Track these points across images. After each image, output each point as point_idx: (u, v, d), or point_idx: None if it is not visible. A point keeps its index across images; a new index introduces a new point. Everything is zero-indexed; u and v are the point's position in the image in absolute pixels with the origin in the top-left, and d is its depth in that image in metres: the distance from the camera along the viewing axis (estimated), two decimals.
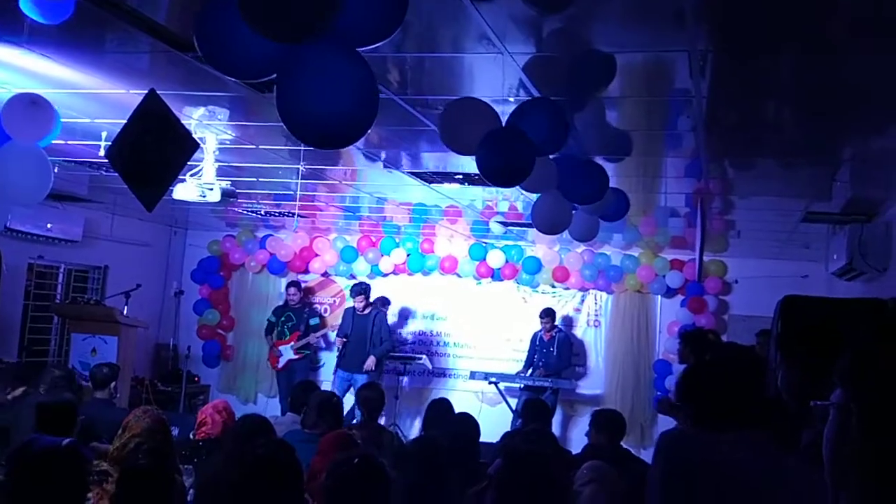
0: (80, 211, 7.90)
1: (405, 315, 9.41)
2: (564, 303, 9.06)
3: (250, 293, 9.74)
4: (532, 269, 8.87)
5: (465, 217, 7.50)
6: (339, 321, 8.66)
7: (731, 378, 2.10)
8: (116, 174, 3.07)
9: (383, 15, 2.10)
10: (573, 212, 4.27)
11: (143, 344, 8.47)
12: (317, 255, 9.42)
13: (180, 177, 4.27)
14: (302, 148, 4.84)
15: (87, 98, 3.98)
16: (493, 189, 5.64)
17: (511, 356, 8.94)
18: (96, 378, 4.92)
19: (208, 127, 4.44)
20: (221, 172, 5.18)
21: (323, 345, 9.29)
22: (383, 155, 5.13)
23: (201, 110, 4.15)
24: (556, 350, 8.27)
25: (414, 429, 8.84)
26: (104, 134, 4.44)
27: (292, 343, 8.66)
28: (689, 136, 4.14)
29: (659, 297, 8.82)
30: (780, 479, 1.94)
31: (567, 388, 8.33)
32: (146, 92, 2.98)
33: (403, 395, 8.84)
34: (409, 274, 9.34)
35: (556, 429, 7.71)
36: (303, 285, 9.19)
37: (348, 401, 6.57)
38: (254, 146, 4.93)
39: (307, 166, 5.51)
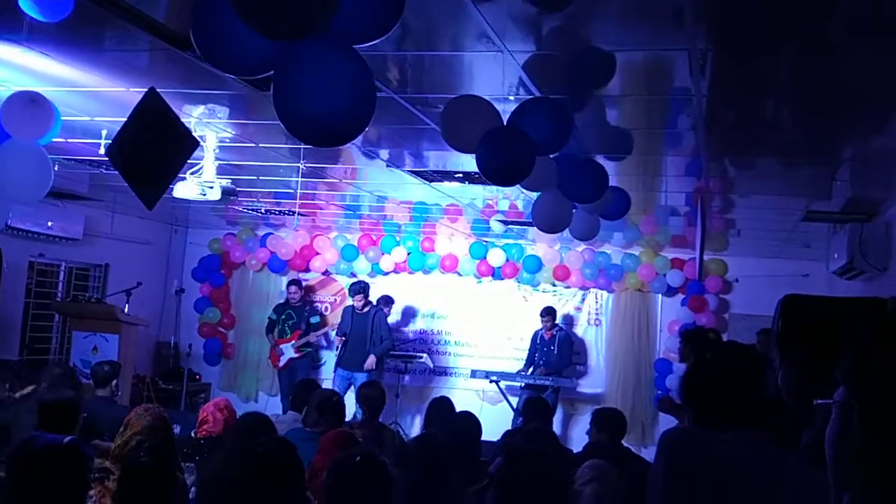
0: (80, 209, 7.90)
1: (406, 313, 9.41)
2: (565, 301, 9.06)
3: (251, 291, 9.75)
4: (533, 267, 8.87)
5: (466, 216, 7.50)
6: (339, 320, 8.67)
7: (731, 377, 2.10)
8: (117, 172, 3.08)
9: (380, 12, 2.10)
10: (573, 210, 4.27)
11: (144, 342, 8.47)
12: (317, 253, 9.43)
13: (180, 175, 4.27)
14: (302, 146, 4.84)
15: (86, 96, 3.98)
16: (494, 188, 5.64)
17: (512, 355, 8.95)
18: (98, 376, 4.93)
19: (208, 125, 4.44)
20: (222, 170, 5.18)
21: (324, 343, 9.29)
22: (384, 154, 5.13)
23: (201, 108, 4.15)
24: (556, 349, 8.27)
25: (415, 427, 8.85)
26: (104, 132, 4.44)
27: (293, 341, 8.66)
28: (689, 135, 4.14)
29: (659, 295, 8.82)
30: (781, 478, 1.95)
31: (568, 387, 8.34)
32: (146, 90, 2.98)
33: (404, 394, 8.85)
34: (410, 272, 9.34)
35: (556, 427, 7.71)
36: (303, 283, 9.19)
37: (349, 400, 6.57)
38: (254, 144, 4.93)
39: (307, 165, 5.51)
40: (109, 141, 3.17)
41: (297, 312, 8.78)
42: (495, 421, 6.89)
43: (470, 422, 4.10)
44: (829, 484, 2.09)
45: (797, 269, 8.04)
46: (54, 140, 3.69)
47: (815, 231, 6.36)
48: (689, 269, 8.43)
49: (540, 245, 8.92)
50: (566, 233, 4.56)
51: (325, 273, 9.60)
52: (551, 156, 3.65)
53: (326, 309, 9.54)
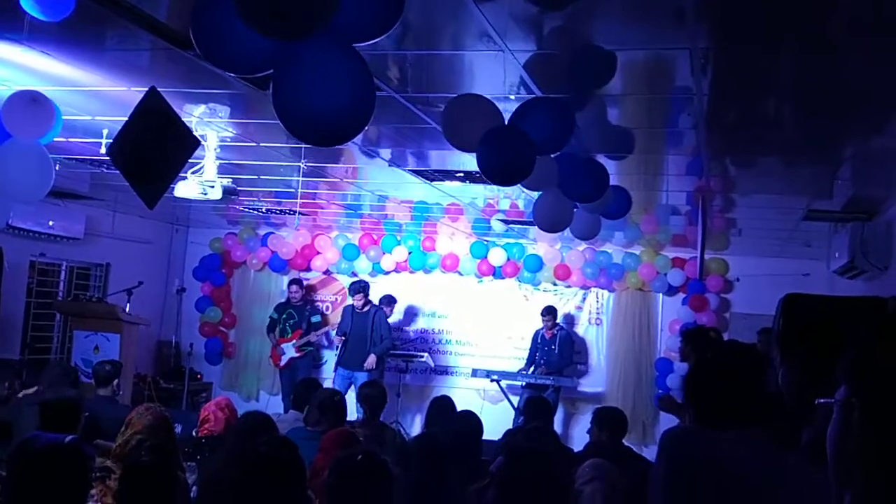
0: (81, 208, 7.90)
1: (407, 313, 9.41)
2: (566, 301, 9.06)
3: (252, 291, 9.75)
4: (533, 267, 8.87)
5: (467, 215, 7.50)
6: (339, 319, 8.68)
7: (731, 377, 2.10)
8: (118, 172, 3.08)
9: (380, 11, 2.09)
10: (575, 210, 4.27)
11: (145, 341, 8.48)
12: (318, 252, 9.43)
13: (181, 174, 4.27)
14: (303, 146, 4.84)
15: (87, 95, 3.98)
16: (495, 187, 5.64)
17: (513, 354, 8.95)
18: (99, 375, 4.93)
19: (209, 124, 4.44)
20: (223, 170, 5.18)
21: (325, 342, 9.29)
22: (385, 153, 5.13)
23: (202, 108, 4.15)
24: (557, 348, 8.27)
25: (415, 426, 8.85)
26: (105, 131, 4.44)
27: (294, 341, 8.67)
28: (690, 134, 4.14)
29: (660, 294, 8.82)
30: (781, 478, 1.95)
31: (569, 386, 8.34)
32: (147, 89, 2.98)
33: (405, 393, 8.85)
34: (411, 272, 9.34)
35: (557, 426, 7.70)
36: (305, 283, 9.20)
37: (349, 399, 6.57)
38: (255, 144, 4.93)
39: (308, 164, 5.52)
40: (110, 140, 3.17)
41: (298, 312, 8.79)
42: (496, 420, 6.89)
43: (471, 421, 4.11)
44: (830, 483, 2.09)
45: (798, 268, 8.03)
46: (55, 139, 3.69)
47: (816, 230, 6.35)
48: (689, 268, 8.43)
49: (541, 244, 8.92)
50: (567, 232, 4.56)
51: (326, 272, 9.60)
52: (552, 155, 3.65)
53: (327, 308, 9.55)
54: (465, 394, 8.57)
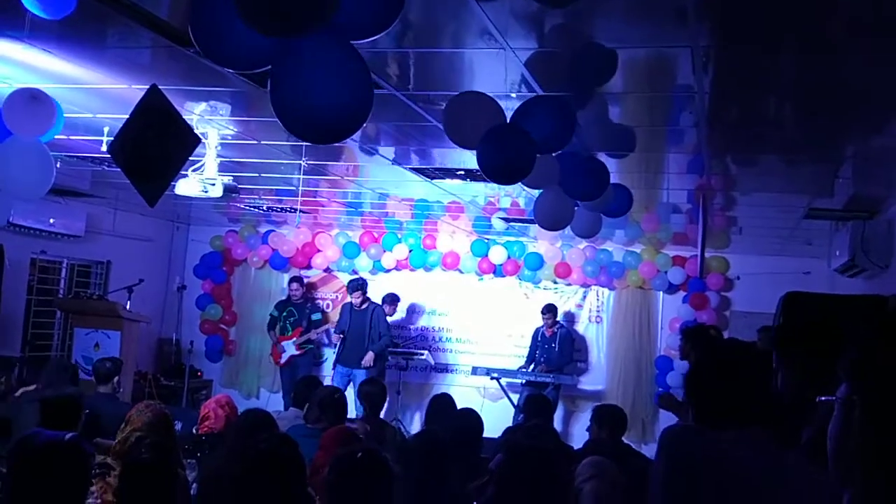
0: (82, 206, 7.91)
1: (407, 311, 9.41)
2: (566, 299, 9.06)
3: (253, 288, 9.76)
4: (534, 265, 8.87)
5: (467, 213, 7.50)
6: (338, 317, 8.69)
7: (731, 376, 2.10)
8: (119, 169, 3.08)
9: (379, 8, 2.09)
10: (575, 208, 4.27)
11: (145, 339, 8.49)
12: (319, 250, 9.43)
13: (182, 172, 4.27)
14: (304, 143, 4.84)
15: (88, 93, 3.98)
16: (495, 185, 5.64)
17: (513, 352, 8.95)
18: (99, 372, 4.93)
19: (210, 122, 4.44)
20: (223, 168, 5.19)
21: (326, 340, 9.30)
22: (385, 151, 5.12)
23: (203, 105, 4.15)
24: (557, 346, 8.27)
25: (415, 424, 8.86)
26: (106, 129, 4.45)
27: (295, 339, 8.67)
28: (691, 132, 4.14)
29: (661, 293, 8.82)
30: (781, 478, 1.95)
31: (569, 384, 8.34)
32: (148, 87, 2.98)
33: (405, 391, 8.86)
34: (412, 270, 9.35)
35: (557, 424, 7.71)
36: (305, 281, 9.20)
37: (348, 396, 6.58)
38: (256, 141, 4.93)
39: (309, 162, 5.52)
40: (112, 138, 3.17)
41: (299, 309, 8.79)
42: (496, 418, 6.90)
43: (472, 418, 4.11)
44: (830, 483, 2.09)
45: (799, 266, 8.03)
46: (56, 137, 3.69)
47: (816, 228, 6.35)
48: (690, 266, 8.43)
49: (541, 242, 8.92)
50: (568, 230, 4.56)
51: (327, 270, 9.60)
52: (553, 154, 3.65)
53: (328, 306, 9.55)
54: (465, 391, 8.58)
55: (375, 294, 8.72)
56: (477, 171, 4.09)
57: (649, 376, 8.65)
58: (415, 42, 3.06)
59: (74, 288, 8.38)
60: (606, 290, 9.01)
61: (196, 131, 3.44)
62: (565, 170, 3.84)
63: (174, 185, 4.58)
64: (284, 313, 8.80)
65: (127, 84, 3.74)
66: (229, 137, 4.79)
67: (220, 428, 4.19)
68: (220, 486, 2.92)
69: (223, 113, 4.29)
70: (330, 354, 9.20)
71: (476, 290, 9.27)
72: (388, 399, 5.08)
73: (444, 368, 9.29)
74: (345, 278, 9.40)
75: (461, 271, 9.18)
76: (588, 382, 8.90)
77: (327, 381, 7.75)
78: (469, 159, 4.20)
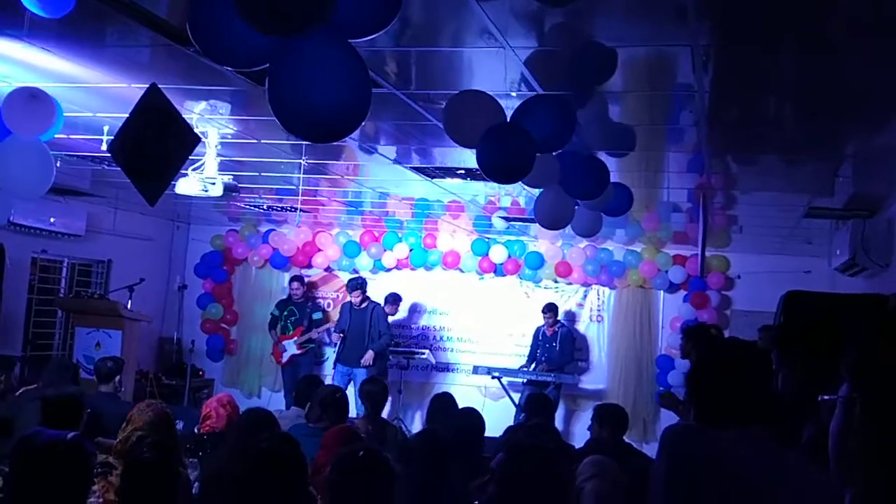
0: (82, 205, 7.91)
1: (408, 310, 9.41)
2: (567, 298, 9.06)
3: (253, 287, 9.76)
4: (534, 264, 8.87)
5: (468, 212, 7.49)
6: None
7: (732, 375, 2.09)
8: (119, 168, 3.08)
9: (378, 7, 2.09)
10: (576, 207, 4.27)
11: (146, 338, 8.49)
12: (319, 249, 9.43)
13: (182, 171, 4.27)
14: (304, 143, 4.84)
15: (88, 92, 3.98)
16: (496, 184, 5.64)
17: (514, 351, 8.95)
18: (101, 372, 4.94)
19: (210, 121, 4.44)
20: (223, 167, 5.19)
21: (327, 339, 9.30)
22: (385, 150, 5.12)
23: (203, 104, 4.15)
24: (558, 345, 8.27)
25: (415, 423, 8.86)
26: (106, 128, 4.44)
27: (296, 338, 8.67)
28: (691, 131, 4.14)
29: (661, 292, 8.81)
30: (782, 477, 1.94)
31: (570, 383, 8.34)
32: (148, 86, 2.98)
33: (406, 390, 8.86)
34: (412, 269, 9.35)
35: (558, 423, 7.71)
36: (306, 280, 9.20)
37: (349, 395, 6.58)
38: (256, 140, 4.93)
39: (309, 161, 5.52)
40: (111, 137, 3.17)
41: (300, 309, 8.79)
42: (497, 417, 6.90)
43: (473, 418, 4.11)
44: (831, 482, 2.09)
45: (799, 265, 8.03)
46: (56, 136, 3.69)
47: (817, 227, 6.35)
48: (691, 265, 8.42)
49: (542, 241, 8.92)
50: (568, 229, 4.55)
51: (328, 269, 9.60)
52: (554, 153, 3.65)
53: (329, 305, 9.55)
54: (466, 391, 8.58)
55: (377, 293, 8.72)
56: (477, 170, 4.09)
57: (650, 375, 8.65)
58: (415, 41, 3.06)
59: (75, 287, 8.39)
60: (607, 290, 9.01)
61: (196, 130, 3.44)
62: (566, 169, 3.84)
63: (174, 185, 4.58)
64: (285, 312, 8.80)
65: (126, 83, 3.74)
66: (229, 136, 4.79)
67: (222, 427, 4.20)
68: (222, 485, 2.93)
69: (223, 112, 4.29)
70: (331, 354, 9.20)
71: (477, 290, 9.27)
72: (389, 398, 5.08)
73: (445, 367, 9.29)
74: (345, 277, 9.39)
75: (462, 270, 9.18)
76: (589, 381, 8.90)
77: (328, 381, 7.75)
78: (469, 158, 4.20)
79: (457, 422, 4.11)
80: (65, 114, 3.53)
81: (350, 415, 4.92)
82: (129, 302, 7.52)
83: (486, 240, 8.98)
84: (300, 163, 5.51)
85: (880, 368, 2.16)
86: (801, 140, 4.17)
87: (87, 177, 6.59)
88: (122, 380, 5.19)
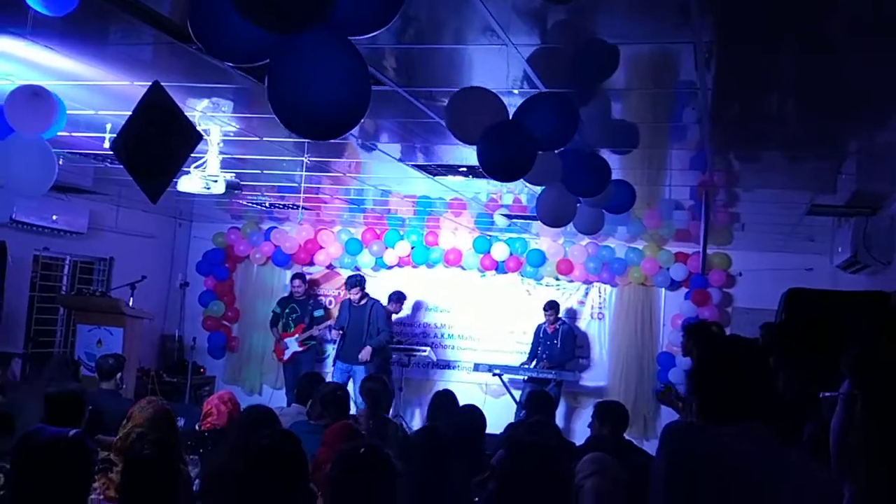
0: (85, 203, 7.92)
1: (410, 307, 9.41)
2: (568, 295, 9.06)
3: (255, 285, 9.77)
4: (536, 261, 8.87)
5: (470, 210, 7.49)
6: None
7: (734, 372, 2.10)
8: (121, 166, 3.09)
9: (379, 4, 2.09)
10: (579, 204, 4.27)
11: (148, 335, 8.50)
12: (321, 247, 9.44)
13: (184, 169, 4.27)
14: (306, 140, 4.84)
15: (91, 90, 3.98)
16: (498, 182, 5.64)
17: (515, 348, 8.95)
18: (102, 369, 4.95)
19: (212, 119, 4.44)
20: (226, 164, 5.18)
21: (328, 337, 9.31)
22: (387, 148, 5.12)
23: (205, 102, 4.15)
24: (559, 342, 8.28)
25: (416, 420, 8.87)
26: (108, 126, 4.45)
27: (297, 335, 8.68)
28: (694, 129, 4.13)
29: (663, 289, 8.81)
30: (783, 473, 1.95)
31: (571, 380, 8.34)
32: (150, 84, 2.98)
33: (407, 387, 8.87)
34: (414, 267, 9.35)
35: (559, 420, 7.72)
36: (307, 277, 9.20)
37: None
38: (258, 138, 4.93)
39: (311, 158, 5.52)
40: (114, 135, 3.17)
41: (301, 306, 8.80)
42: (498, 414, 6.91)
43: (474, 415, 4.12)
44: (831, 479, 2.09)
45: (801, 262, 8.02)
46: (58, 134, 3.70)
47: (819, 225, 6.34)
48: (692, 262, 8.42)
49: (544, 239, 8.91)
50: (570, 227, 4.55)
51: (329, 267, 9.61)
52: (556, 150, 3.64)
53: (330, 303, 9.55)
54: (467, 388, 8.58)
55: (379, 291, 8.72)
56: (479, 167, 4.09)
57: (651, 373, 8.65)
58: (417, 39, 3.06)
59: (77, 285, 8.40)
60: (608, 287, 9.01)
61: (198, 128, 3.44)
62: (568, 166, 3.83)
63: (176, 182, 4.57)
64: (287, 310, 8.81)
65: (129, 81, 3.74)
66: (231, 134, 4.79)
67: (223, 424, 4.20)
68: (223, 482, 2.93)
69: (225, 109, 4.29)
70: (332, 351, 9.21)
71: (478, 287, 9.27)
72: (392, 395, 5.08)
73: (447, 365, 9.30)
74: (347, 275, 9.41)
75: (463, 268, 9.18)
76: (590, 379, 8.90)
77: (329, 378, 7.76)
78: (471, 156, 4.20)
79: (458, 419, 4.12)
80: (67, 111, 3.54)
81: (350, 412, 4.94)
82: (131, 299, 7.53)
83: (488, 237, 8.98)
84: (302, 160, 5.51)
85: (882, 366, 2.16)
86: (803, 137, 4.16)
87: (89, 174, 6.60)
88: (124, 377, 5.20)
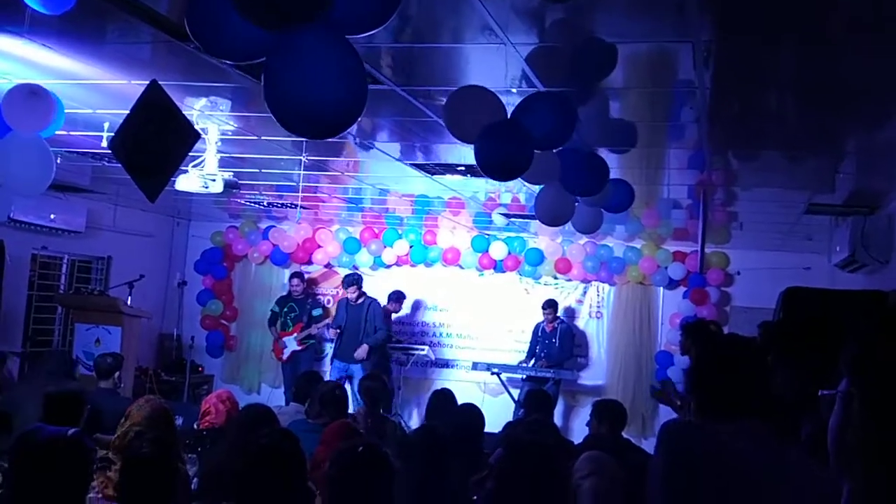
0: (82, 202, 7.91)
1: (408, 306, 9.41)
2: (567, 294, 9.06)
3: (253, 284, 9.76)
4: (534, 260, 8.87)
5: (468, 209, 7.49)
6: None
7: (731, 370, 2.10)
8: (119, 165, 3.08)
9: (375, 4, 2.08)
10: (577, 204, 4.27)
11: (146, 334, 8.50)
12: (320, 246, 9.44)
13: (182, 168, 4.27)
14: (304, 139, 4.84)
15: (88, 89, 3.98)
16: (496, 181, 5.64)
17: (513, 347, 8.96)
18: (100, 368, 4.95)
19: (210, 118, 4.44)
20: (224, 163, 5.19)
21: (327, 335, 9.31)
22: (385, 147, 5.12)
23: (203, 101, 4.15)
24: (558, 341, 8.29)
25: (414, 419, 8.87)
26: (106, 125, 4.44)
27: (295, 334, 8.68)
28: (692, 128, 4.14)
29: (661, 288, 8.82)
30: (781, 471, 1.95)
31: (569, 379, 8.35)
32: (148, 83, 2.98)
33: (405, 386, 8.87)
34: (412, 266, 9.35)
35: (557, 419, 7.72)
36: (306, 276, 9.20)
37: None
38: (256, 137, 4.93)
39: (310, 157, 5.51)
40: (112, 133, 3.17)
41: (300, 305, 8.80)
42: (496, 413, 6.90)
43: (473, 414, 4.12)
44: (830, 478, 2.09)
45: (799, 261, 8.03)
46: (56, 133, 3.69)
47: (817, 224, 6.35)
48: (690, 261, 8.43)
49: (542, 238, 8.92)
50: (568, 226, 4.56)
51: (328, 266, 9.60)
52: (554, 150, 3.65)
53: (329, 301, 9.55)
54: (466, 387, 8.59)
55: (377, 290, 8.72)
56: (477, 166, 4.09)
57: (649, 371, 8.66)
58: (415, 37, 3.06)
59: (75, 283, 8.39)
60: (607, 286, 9.02)
61: (196, 127, 3.44)
62: (566, 165, 3.84)
63: (174, 181, 4.58)
64: (285, 309, 8.81)
65: (127, 79, 3.74)
66: (229, 133, 4.78)
67: (221, 423, 4.21)
68: (221, 480, 2.93)
69: (223, 108, 4.29)
70: (331, 350, 9.21)
71: (476, 286, 9.27)
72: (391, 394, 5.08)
73: (445, 364, 9.30)
74: (345, 274, 9.41)
75: (462, 267, 9.19)
76: (588, 377, 8.91)
77: (328, 377, 7.76)
78: (469, 155, 4.20)
79: (456, 418, 4.12)
80: (65, 110, 3.53)
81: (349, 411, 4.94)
82: (129, 298, 7.52)
83: (486, 236, 8.98)
84: (300, 159, 5.51)
85: (880, 365, 2.16)
86: (801, 136, 4.17)
87: (87, 173, 6.60)
88: (122, 376, 5.19)
